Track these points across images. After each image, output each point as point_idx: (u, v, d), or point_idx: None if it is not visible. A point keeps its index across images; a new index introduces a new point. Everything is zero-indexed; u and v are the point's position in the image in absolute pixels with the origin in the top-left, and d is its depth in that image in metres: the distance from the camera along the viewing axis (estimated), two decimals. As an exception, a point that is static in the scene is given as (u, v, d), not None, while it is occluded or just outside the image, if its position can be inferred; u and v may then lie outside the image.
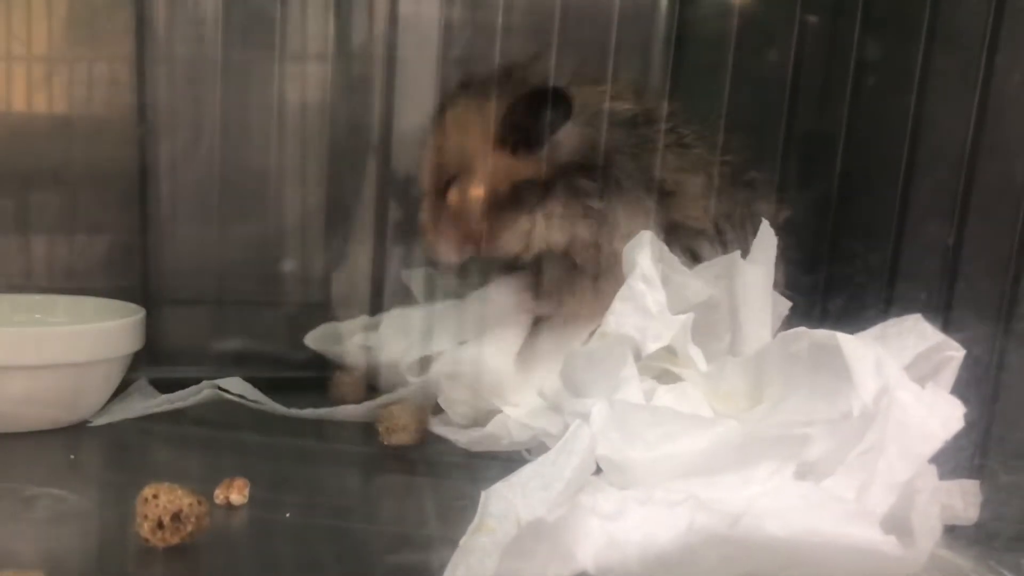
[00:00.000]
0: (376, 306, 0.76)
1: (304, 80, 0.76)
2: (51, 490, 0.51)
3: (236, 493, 0.51)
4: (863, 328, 0.53)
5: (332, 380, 0.71)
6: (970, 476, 0.51)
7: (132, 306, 0.66)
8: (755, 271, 0.57)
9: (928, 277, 0.61)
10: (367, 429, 0.63)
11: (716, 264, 0.59)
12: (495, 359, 0.62)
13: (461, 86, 0.64)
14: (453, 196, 0.62)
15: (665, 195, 0.62)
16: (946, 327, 0.55)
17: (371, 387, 0.71)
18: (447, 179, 0.62)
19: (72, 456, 0.57)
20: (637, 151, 0.61)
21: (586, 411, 0.50)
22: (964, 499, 0.51)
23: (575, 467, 0.46)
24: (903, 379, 0.46)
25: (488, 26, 0.78)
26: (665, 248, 0.58)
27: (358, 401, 0.69)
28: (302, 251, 0.77)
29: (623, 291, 0.55)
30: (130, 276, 0.75)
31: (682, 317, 0.55)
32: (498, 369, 0.61)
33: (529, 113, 0.58)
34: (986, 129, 0.57)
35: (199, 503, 0.45)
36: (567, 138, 0.59)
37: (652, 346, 0.53)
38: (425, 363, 0.66)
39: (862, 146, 0.69)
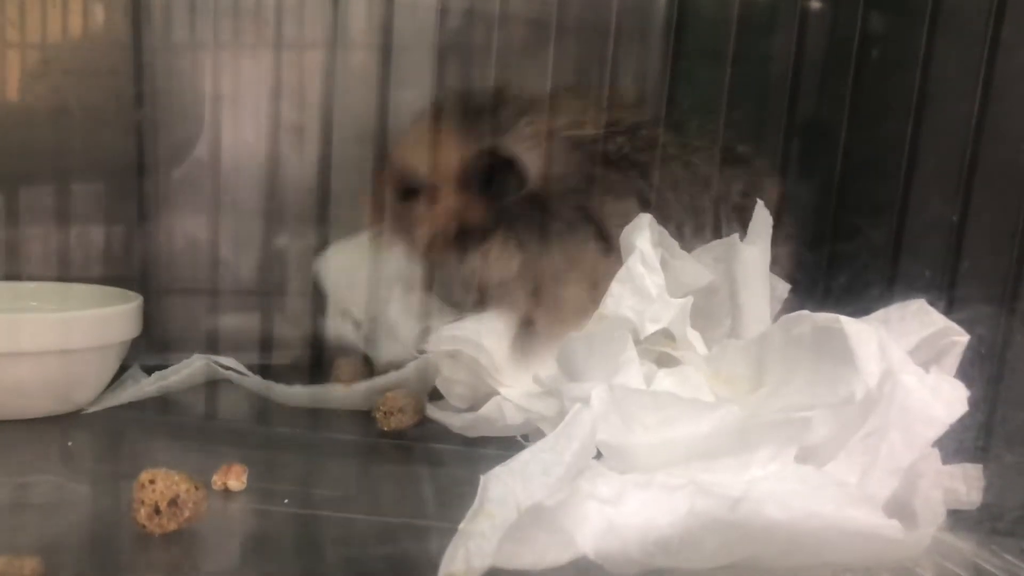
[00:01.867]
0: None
1: (301, 68, 0.76)
2: (47, 477, 0.51)
3: (234, 479, 0.50)
4: (866, 307, 0.53)
5: (332, 365, 0.70)
6: (973, 458, 0.51)
7: (129, 293, 0.65)
8: (752, 252, 0.57)
9: (932, 255, 0.60)
10: (364, 417, 0.63)
11: (714, 247, 0.59)
12: (490, 339, 0.61)
13: (455, 97, 0.66)
14: (413, 206, 0.64)
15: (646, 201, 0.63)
16: (950, 306, 0.55)
17: (369, 373, 0.71)
18: (410, 186, 0.65)
19: (69, 443, 0.57)
20: (607, 175, 0.63)
21: (585, 395, 0.49)
22: (967, 483, 0.50)
23: (575, 452, 0.45)
24: (907, 363, 0.45)
25: (486, 14, 0.78)
26: (664, 232, 0.57)
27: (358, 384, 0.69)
28: (299, 239, 0.76)
29: (621, 273, 0.55)
30: (127, 265, 0.75)
31: (681, 300, 0.54)
32: (493, 349, 0.61)
33: (487, 171, 0.62)
34: (990, 107, 0.57)
35: (196, 489, 0.45)
36: (512, 201, 0.62)
37: (650, 328, 0.53)
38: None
39: (866, 124, 0.69)
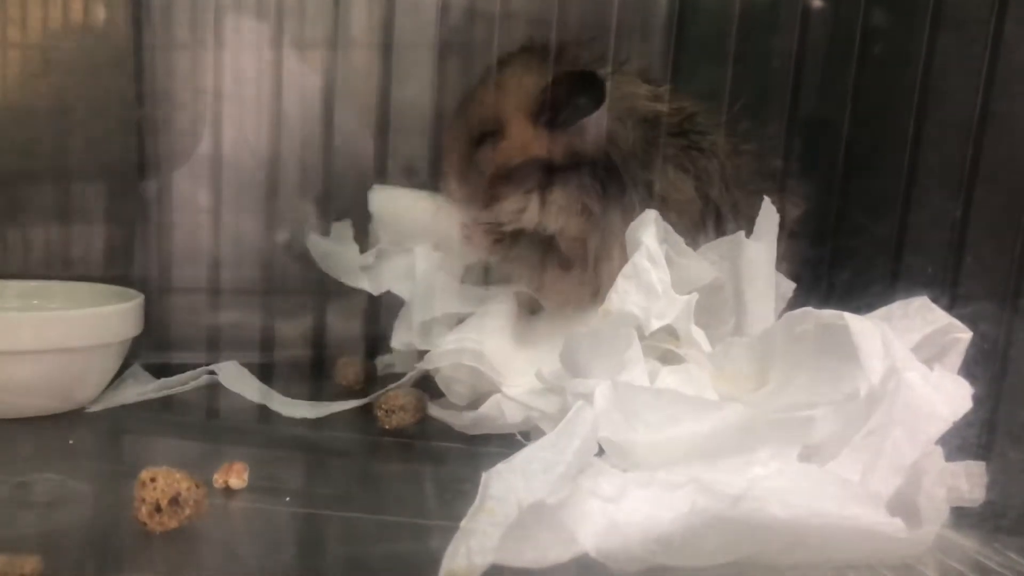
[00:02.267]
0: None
1: (302, 66, 0.76)
2: (48, 475, 0.50)
3: (235, 477, 0.50)
4: (869, 303, 0.53)
5: (335, 365, 0.71)
6: (976, 455, 0.51)
7: (131, 291, 0.65)
8: (758, 249, 0.56)
9: (935, 251, 0.60)
10: (365, 415, 0.63)
11: (719, 245, 0.58)
12: (493, 340, 0.61)
13: (521, 49, 0.64)
14: (482, 152, 0.62)
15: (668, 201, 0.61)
16: (953, 302, 0.55)
17: (370, 375, 0.71)
18: (479, 133, 0.63)
19: (71, 441, 0.56)
20: (653, 157, 0.61)
21: (589, 392, 0.49)
22: (970, 480, 0.50)
23: (577, 449, 0.45)
24: (910, 360, 0.45)
25: (487, 12, 0.78)
26: (670, 229, 0.57)
27: (360, 385, 0.69)
28: (301, 236, 0.76)
29: (627, 269, 0.54)
30: (128, 264, 0.74)
31: (686, 297, 0.54)
32: (495, 350, 0.61)
33: (564, 93, 0.59)
34: (993, 102, 0.56)
35: (197, 487, 0.45)
36: (593, 126, 0.59)
37: (655, 324, 0.53)
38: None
39: (868, 120, 0.68)
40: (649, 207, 0.58)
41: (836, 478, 0.43)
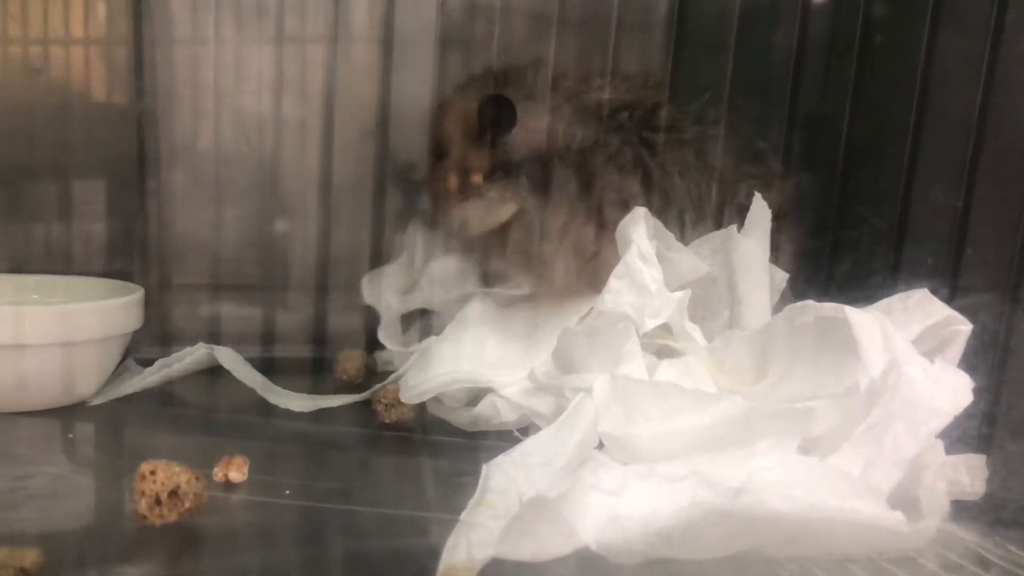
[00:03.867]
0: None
1: (302, 62, 0.76)
2: (47, 468, 0.50)
3: (235, 471, 0.50)
4: (869, 295, 0.53)
5: (335, 360, 0.70)
6: (977, 447, 0.51)
7: (131, 285, 0.65)
8: (751, 244, 0.56)
9: (935, 242, 0.60)
10: (365, 408, 0.63)
11: (711, 239, 0.58)
12: (475, 348, 0.61)
13: (470, 79, 0.69)
14: (440, 171, 0.66)
15: (645, 165, 0.63)
16: (953, 294, 0.55)
17: (371, 369, 0.71)
18: (437, 155, 0.67)
19: (70, 435, 0.57)
20: (612, 146, 0.63)
21: (587, 386, 0.49)
22: (970, 473, 0.50)
23: (577, 442, 0.45)
24: (911, 353, 0.45)
25: (487, 7, 0.78)
26: (660, 224, 0.57)
27: (360, 379, 0.69)
28: (301, 233, 0.76)
29: (619, 269, 0.55)
30: (127, 258, 0.74)
31: (679, 294, 0.54)
32: (480, 356, 0.61)
33: (487, 115, 0.63)
34: (993, 95, 0.56)
35: (197, 479, 0.45)
36: (519, 138, 0.63)
37: (651, 324, 0.53)
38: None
39: (868, 113, 0.68)
40: (589, 198, 0.60)
41: (837, 471, 0.43)
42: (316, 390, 0.66)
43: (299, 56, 0.76)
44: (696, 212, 0.62)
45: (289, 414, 0.62)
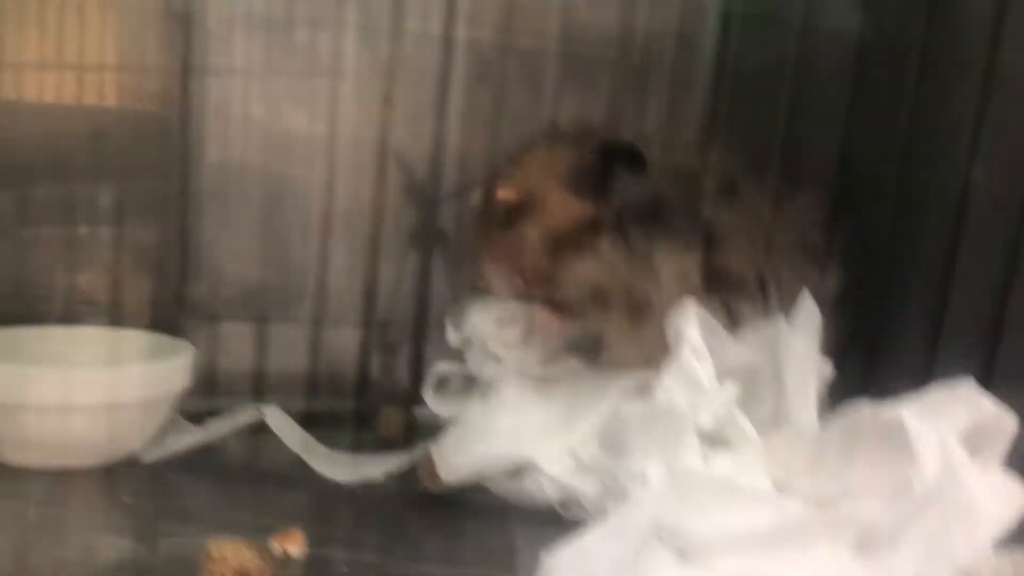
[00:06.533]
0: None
1: (353, 101, 0.76)
2: (112, 540, 0.51)
3: (293, 545, 0.51)
4: (909, 377, 0.54)
5: (379, 417, 0.71)
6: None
7: (180, 342, 0.66)
8: (800, 340, 0.57)
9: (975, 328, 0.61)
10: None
11: (761, 330, 0.59)
12: (512, 421, 0.61)
13: (544, 136, 0.66)
14: (518, 230, 0.63)
15: (711, 240, 0.62)
16: (991, 374, 0.56)
17: (411, 425, 0.72)
18: (511, 213, 0.63)
19: (125, 499, 0.58)
20: (688, 199, 0.62)
21: (640, 473, 0.50)
22: (1017, 572, 0.51)
23: (638, 538, 0.46)
24: (966, 461, 0.46)
25: (532, 51, 0.79)
26: (708, 316, 0.58)
27: (404, 439, 0.70)
28: (347, 276, 0.77)
29: (672, 365, 0.56)
30: (172, 305, 0.75)
31: (730, 388, 0.55)
32: (518, 432, 0.61)
33: (602, 164, 0.61)
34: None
35: (262, 559, 0.46)
36: (629, 190, 0.61)
37: (705, 420, 0.54)
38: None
39: (917, 180, 0.69)
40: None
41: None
42: (356, 447, 0.67)
43: (349, 94, 0.76)
44: (748, 294, 0.62)
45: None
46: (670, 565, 0.44)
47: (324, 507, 0.59)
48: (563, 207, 0.62)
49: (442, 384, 0.67)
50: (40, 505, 0.57)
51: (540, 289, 0.62)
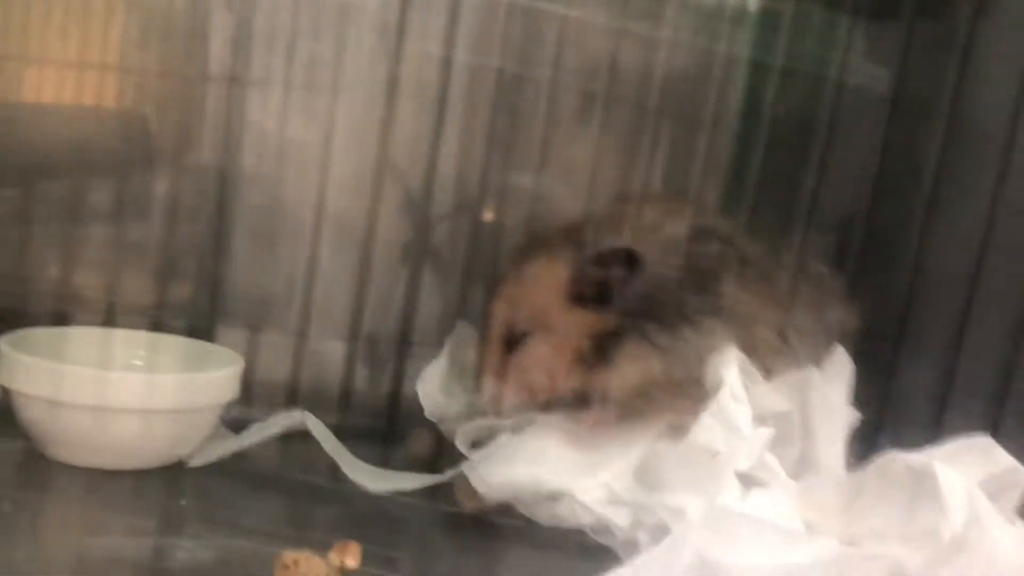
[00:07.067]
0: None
1: (353, 116, 0.77)
2: (179, 541, 0.53)
3: (351, 558, 0.53)
4: (917, 433, 0.57)
5: (410, 435, 0.74)
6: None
7: (232, 354, 0.68)
8: (831, 390, 0.60)
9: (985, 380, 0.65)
10: (444, 486, 0.65)
11: (793, 378, 0.62)
12: (553, 452, 0.63)
13: (533, 242, 0.67)
14: (528, 351, 0.64)
15: (737, 318, 0.63)
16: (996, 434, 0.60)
17: (440, 446, 0.74)
18: (517, 333, 0.64)
19: (183, 503, 0.60)
20: (699, 274, 0.63)
21: (680, 508, 0.53)
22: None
23: (678, 570, 0.49)
24: (991, 512, 0.50)
25: (540, 81, 0.81)
26: (746, 360, 0.61)
27: (433, 459, 0.72)
28: (377, 292, 0.79)
29: (712, 407, 0.58)
30: (209, 317, 0.77)
31: (765, 432, 0.58)
32: (550, 471, 0.62)
33: (600, 270, 0.62)
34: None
35: (331, 571, 0.48)
36: (636, 288, 0.62)
37: (744, 463, 0.57)
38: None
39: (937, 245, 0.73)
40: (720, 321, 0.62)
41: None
42: (387, 463, 0.69)
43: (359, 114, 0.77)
44: (766, 344, 0.63)
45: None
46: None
47: (362, 519, 0.61)
48: (569, 323, 0.63)
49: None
50: (80, 503, 0.59)
51: (553, 404, 0.63)
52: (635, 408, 0.62)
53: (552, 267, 0.63)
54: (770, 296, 0.65)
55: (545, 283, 0.63)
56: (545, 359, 0.63)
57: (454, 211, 0.80)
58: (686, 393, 0.60)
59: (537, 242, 0.66)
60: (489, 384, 0.65)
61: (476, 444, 0.66)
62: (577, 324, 0.62)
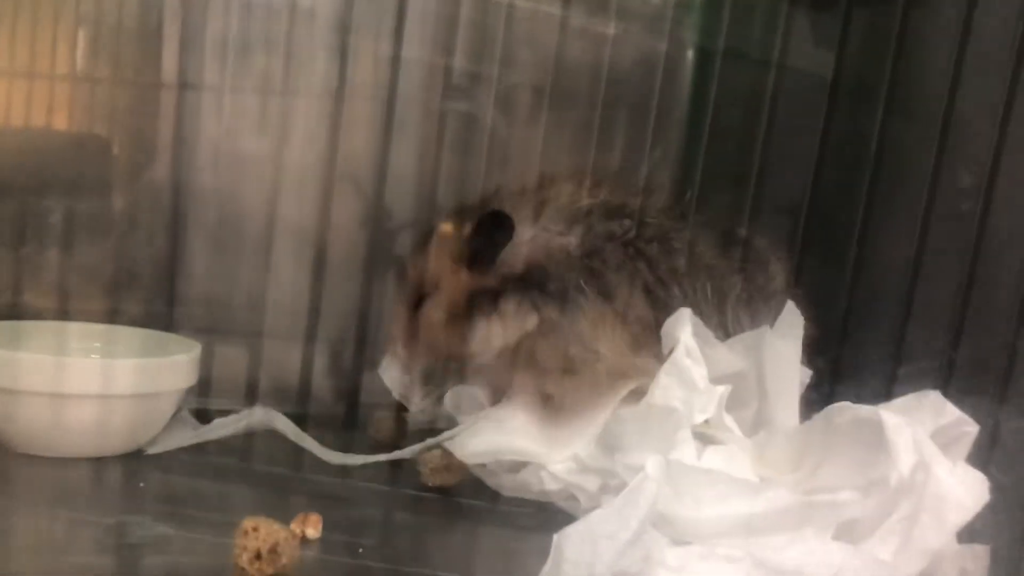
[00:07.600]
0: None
1: (309, 123, 0.78)
2: (135, 518, 0.53)
3: (311, 527, 0.54)
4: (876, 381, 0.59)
5: (371, 420, 0.74)
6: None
7: (189, 340, 0.69)
8: (783, 345, 0.62)
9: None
10: (396, 468, 0.67)
11: (746, 338, 0.63)
12: (521, 437, 0.65)
13: (445, 215, 0.70)
14: (424, 311, 0.68)
15: (656, 301, 0.65)
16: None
17: (402, 429, 0.75)
18: (419, 298, 0.68)
19: (141, 484, 0.60)
20: (595, 248, 0.66)
21: (639, 466, 0.54)
22: (974, 562, 0.56)
23: (640, 518, 0.49)
24: (937, 455, 0.51)
25: (490, 78, 0.83)
26: (700, 322, 0.62)
27: (395, 442, 0.72)
28: (337, 287, 0.79)
29: (668, 366, 0.60)
30: (162, 306, 0.77)
31: (721, 389, 0.59)
32: (527, 444, 0.64)
33: (479, 235, 0.65)
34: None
35: (292, 537, 0.49)
36: (517, 252, 0.65)
37: (699, 417, 0.57)
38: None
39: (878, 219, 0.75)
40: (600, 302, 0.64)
41: (874, 558, 0.48)
42: (350, 448, 0.69)
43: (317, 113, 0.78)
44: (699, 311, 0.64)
45: (327, 470, 0.66)
46: (672, 549, 0.48)
47: (326, 500, 0.61)
48: (455, 284, 0.66)
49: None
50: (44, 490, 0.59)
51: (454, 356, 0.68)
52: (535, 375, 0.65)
53: (448, 234, 0.67)
54: (689, 286, 0.66)
55: (440, 249, 0.67)
56: (434, 317, 0.67)
57: (412, 219, 0.81)
58: (570, 369, 0.64)
59: (447, 215, 0.70)
60: (395, 344, 0.69)
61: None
62: (461, 284, 0.66)
